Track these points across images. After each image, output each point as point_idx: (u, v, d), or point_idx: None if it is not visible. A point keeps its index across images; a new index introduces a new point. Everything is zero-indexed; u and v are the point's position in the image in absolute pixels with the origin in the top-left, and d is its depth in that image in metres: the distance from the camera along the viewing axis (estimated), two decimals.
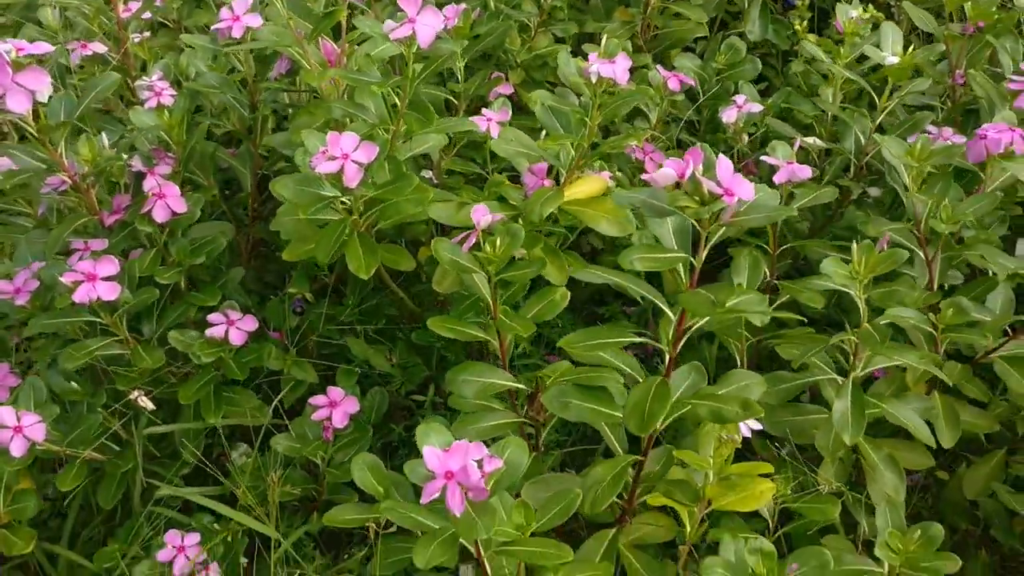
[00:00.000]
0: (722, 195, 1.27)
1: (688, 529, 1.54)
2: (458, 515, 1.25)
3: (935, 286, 1.77)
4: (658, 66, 2.14)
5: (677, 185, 1.29)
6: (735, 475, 1.51)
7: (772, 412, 1.70)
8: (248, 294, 2.19)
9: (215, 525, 1.87)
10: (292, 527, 1.86)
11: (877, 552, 1.47)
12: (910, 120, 1.95)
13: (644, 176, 1.29)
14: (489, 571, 1.39)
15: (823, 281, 1.55)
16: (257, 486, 1.83)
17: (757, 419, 1.48)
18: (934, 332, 1.67)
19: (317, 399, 1.86)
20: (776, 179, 1.77)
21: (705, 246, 1.34)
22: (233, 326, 1.84)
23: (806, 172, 1.76)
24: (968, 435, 1.94)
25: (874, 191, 1.99)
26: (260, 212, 2.26)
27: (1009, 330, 1.74)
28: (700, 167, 1.27)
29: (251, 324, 1.86)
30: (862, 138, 1.97)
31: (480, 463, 1.28)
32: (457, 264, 1.60)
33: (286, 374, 2.02)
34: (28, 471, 1.82)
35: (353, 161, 1.48)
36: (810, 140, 1.93)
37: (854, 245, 1.45)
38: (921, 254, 1.75)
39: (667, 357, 1.46)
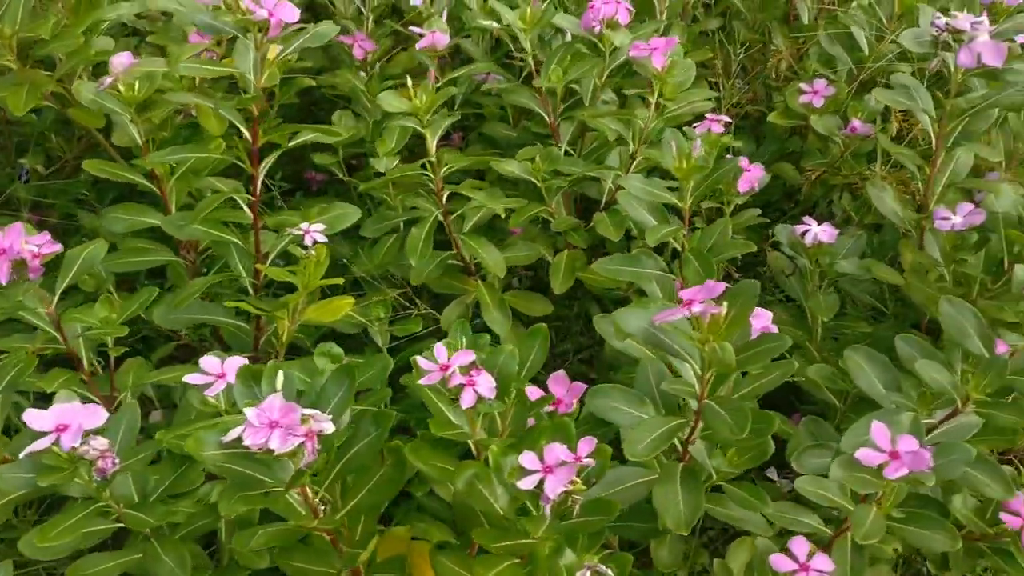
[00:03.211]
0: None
1: (284, 337, 1.70)
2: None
3: (562, 148, 1.94)
4: None
5: None
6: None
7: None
8: None
9: None
10: None
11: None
12: None
13: None
14: None
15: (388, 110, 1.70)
16: None
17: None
18: (537, 182, 1.85)
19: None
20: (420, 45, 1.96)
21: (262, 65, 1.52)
22: None
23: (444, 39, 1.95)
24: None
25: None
26: None
27: (614, 188, 1.91)
28: None
29: None
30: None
31: None
32: (96, 103, 1.77)
33: None
34: None
35: None
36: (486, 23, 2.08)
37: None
38: (547, 117, 1.92)
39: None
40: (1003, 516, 1.48)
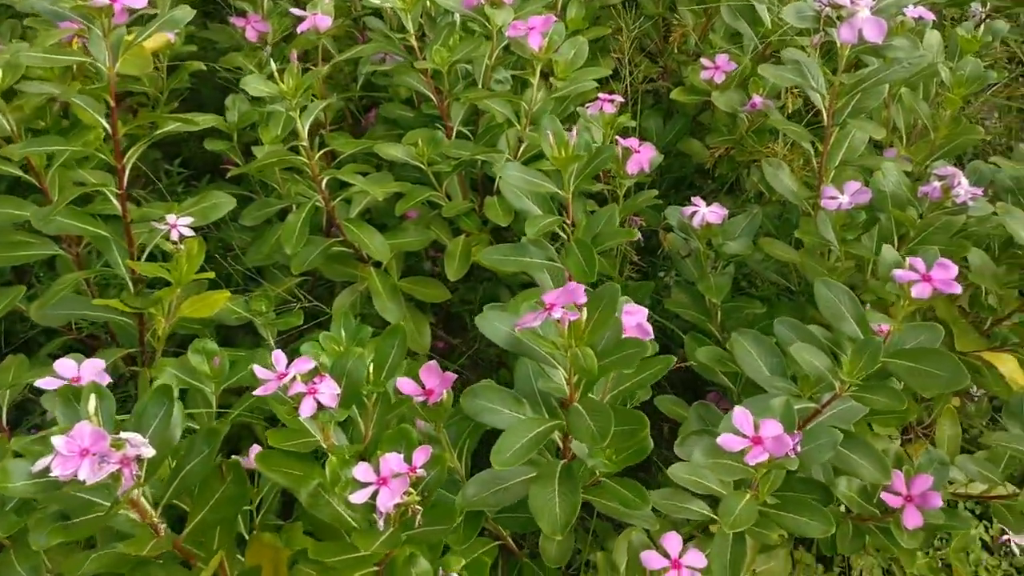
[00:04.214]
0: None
1: (161, 334, 1.65)
2: None
3: (453, 133, 1.89)
4: None
5: None
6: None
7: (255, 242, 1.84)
8: None
9: None
10: None
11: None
12: None
13: None
14: None
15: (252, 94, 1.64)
16: None
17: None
18: (423, 167, 1.80)
19: None
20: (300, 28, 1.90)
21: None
22: None
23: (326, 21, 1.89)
24: None
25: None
26: None
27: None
28: None
29: None
30: None
31: None
32: None
33: None
34: None
35: None
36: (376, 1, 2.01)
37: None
38: (435, 99, 1.87)
39: None
40: (884, 496, 1.46)
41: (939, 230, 1.60)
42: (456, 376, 1.34)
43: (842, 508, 1.60)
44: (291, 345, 1.84)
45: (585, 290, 1.14)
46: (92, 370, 1.36)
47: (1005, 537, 2.11)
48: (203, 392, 1.63)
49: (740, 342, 1.53)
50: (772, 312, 1.83)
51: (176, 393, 1.12)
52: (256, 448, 1.48)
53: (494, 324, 1.23)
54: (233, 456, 1.47)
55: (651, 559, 1.33)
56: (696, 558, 1.33)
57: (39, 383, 1.33)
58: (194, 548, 1.25)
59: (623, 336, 1.23)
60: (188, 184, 2.37)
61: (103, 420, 1.07)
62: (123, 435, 1.03)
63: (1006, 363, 1.75)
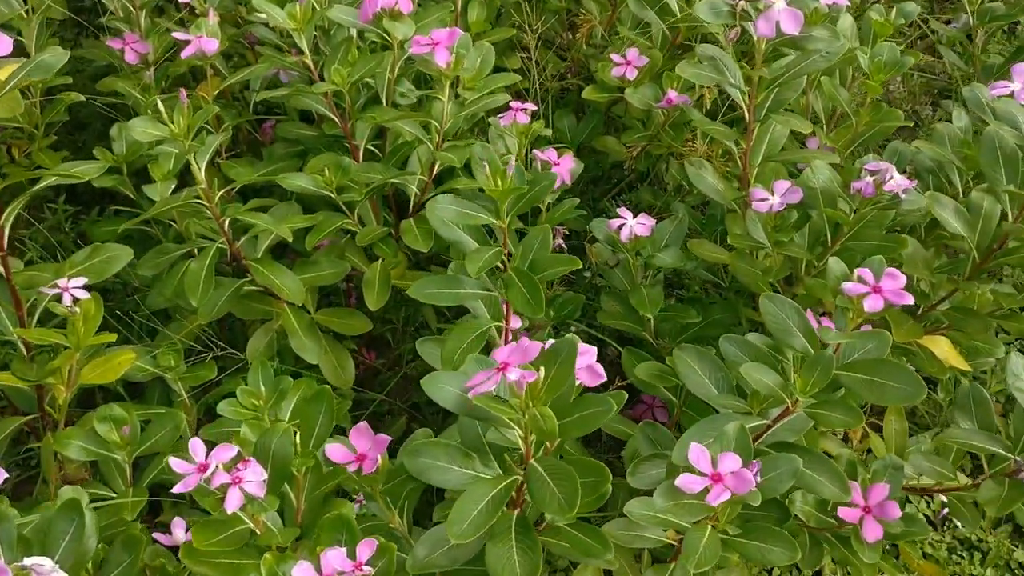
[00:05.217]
0: None
1: (61, 402, 1.52)
2: None
3: (360, 157, 1.78)
4: None
5: None
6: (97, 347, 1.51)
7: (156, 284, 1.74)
8: None
9: None
10: None
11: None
12: None
13: None
14: None
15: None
16: None
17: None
18: (332, 195, 1.69)
19: None
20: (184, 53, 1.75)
21: None
22: None
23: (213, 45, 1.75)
24: None
25: None
26: None
27: (418, 192, 1.77)
28: None
29: None
30: None
31: None
32: None
33: None
34: None
35: None
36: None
37: None
38: (338, 121, 1.76)
39: None
40: (841, 511, 1.43)
41: (872, 224, 1.57)
42: (390, 439, 1.24)
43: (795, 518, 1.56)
44: (205, 398, 1.72)
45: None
46: None
47: (947, 511, 2.13)
48: (115, 460, 1.51)
49: (683, 359, 1.46)
50: (706, 315, 1.79)
51: (86, 501, 1.01)
52: (179, 521, 1.36)
53: (442, 387, 1.13)
54: (155, 534, 1.36)
55: None
56: None
57: None
58: None
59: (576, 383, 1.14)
60: (76, 219, 2.21)
61: (4, 546, 0.96)
62: (28, 562, 0.92)
63: (940, 345, 1.74)
